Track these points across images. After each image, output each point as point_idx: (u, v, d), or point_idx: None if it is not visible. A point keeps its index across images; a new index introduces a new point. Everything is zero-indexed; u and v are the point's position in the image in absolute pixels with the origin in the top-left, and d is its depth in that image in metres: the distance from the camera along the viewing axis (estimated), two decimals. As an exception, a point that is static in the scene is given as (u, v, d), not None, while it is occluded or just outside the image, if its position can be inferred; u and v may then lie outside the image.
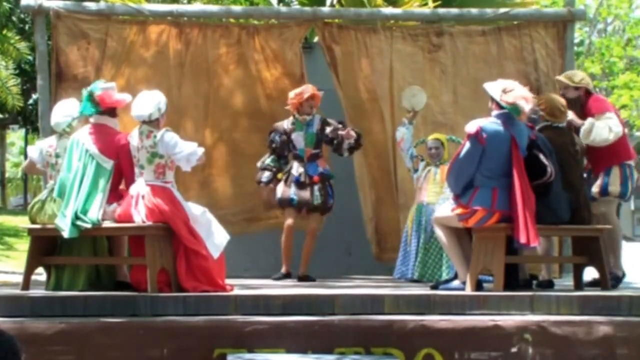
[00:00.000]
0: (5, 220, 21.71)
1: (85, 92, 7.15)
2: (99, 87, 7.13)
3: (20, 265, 10.46)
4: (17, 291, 7.04)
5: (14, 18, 23.45)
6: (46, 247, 7.14)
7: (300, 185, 8.34)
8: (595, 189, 7.55)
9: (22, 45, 21.39)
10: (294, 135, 8.44)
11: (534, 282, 7.59)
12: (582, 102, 7.62)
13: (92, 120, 7.12)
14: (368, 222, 9.10)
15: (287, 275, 8.37)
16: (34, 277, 7.22)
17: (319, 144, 8.48)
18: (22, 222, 15.50)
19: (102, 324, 6.11)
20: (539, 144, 6.94)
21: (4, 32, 21.77)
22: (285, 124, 8.49)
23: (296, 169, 8.40)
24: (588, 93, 7.66)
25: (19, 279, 7.62)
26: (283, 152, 8.50)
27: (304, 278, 8.25)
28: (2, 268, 15.46)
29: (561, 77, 7.85)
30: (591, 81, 7.80)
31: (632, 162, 7.68)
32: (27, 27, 23.11)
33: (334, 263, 8.90)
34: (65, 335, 6.02)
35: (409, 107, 8.52)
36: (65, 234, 6.79)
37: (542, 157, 6.86)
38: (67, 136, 7.28)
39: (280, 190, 8.41)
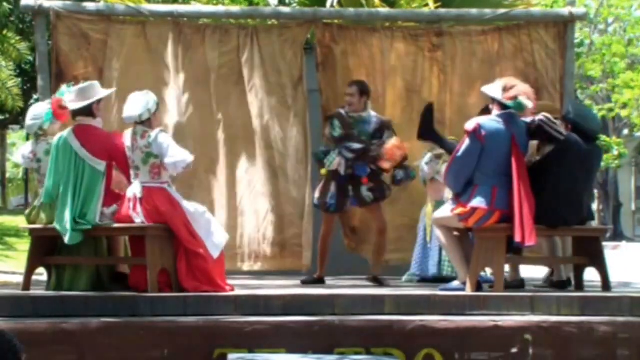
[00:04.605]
0: (6, 221, 21.72)
1: (54, 96, 7.24)
2: (63, 93, 7.17)
3: (21, 265, 10.46)
4: (18, 291, 7.04)
5: (12, 18, 23.44)
6: (47, 247, 7.14)
7: (343, 188, 7.89)
8: None
9: (22, 46, 21.41)
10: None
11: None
12: None
13: (76, 121, 7.06)
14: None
15: (318, 280, 8.02)
16: (35, 278, 7.23)
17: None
18: (23, 222, 15.46)
19: (103, 324, 6.12)
20: (543, 121, 6.95)
21: (4, 32, 21.79)
22: (345, 115, 8.00)
23: (344, 169, 7.89)
24: None
25: (20, 279, 7.62)
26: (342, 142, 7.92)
27: (374, 280, 7.95)
28: (3, 268, 15.46)
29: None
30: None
31: None
32: (26, 27, 23.11)
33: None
34: (66, 335, 6.04)
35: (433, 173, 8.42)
36: (66, 239, 6.79)
37: (547, 128, 6.88)
38: (43, 139, 7.25)
39: (319, 193, 7.98)
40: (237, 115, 8.94)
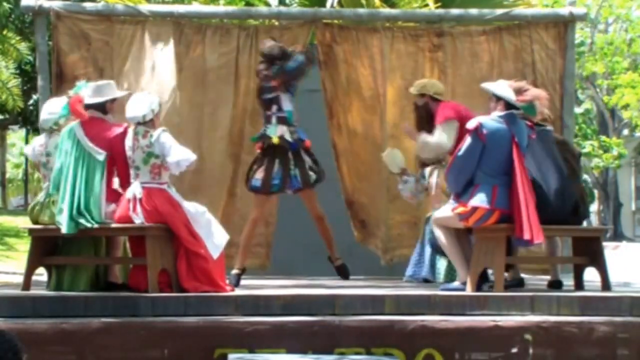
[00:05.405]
0: (6, 221, 21.73)
1: (71, 92, 7.18)
2: (80, 87, 7.12)
3: (21, 265, 10.47)
4: (18, 291, 7.04)
5: (12, 18, 23.44)
6: (47, 247, 7.13)
7: (287, 166, 7.73)
8: None
9: (23, 46, 21.42)
10: (283, 96, 7.84)
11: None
12: (430, 109, 7.80)
13: (87, 113, 7.03)
14: (347, 206, 9.09)
15: (241, 273, 7.83)
16: (35, 278, 7.22)
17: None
18: (22, 222, 15.50)
19: (103, 325, 6.12)
20: None
21: (4, 32, 21.80)
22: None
23: (288, 133, 7.73)
24: (435, 100, 7.82)
25: (20, 279, 7.62)
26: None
27: (338, 269, 8.02)
28: (3, 268, 15.48)
29: (412, 87, 8.09)
30: (440, 87, 7.96)
31: None
32: (26, 27, 23.12)
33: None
34: (67, 335, 6.04)
35: (399, 170, 8.45)
36: (63, 229, 6.77)
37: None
38: (57, 133, 7.23)
39: (263, 173, 7.77)
40: (228, 116, 8.92)
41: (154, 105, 6.97)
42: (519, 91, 6.89)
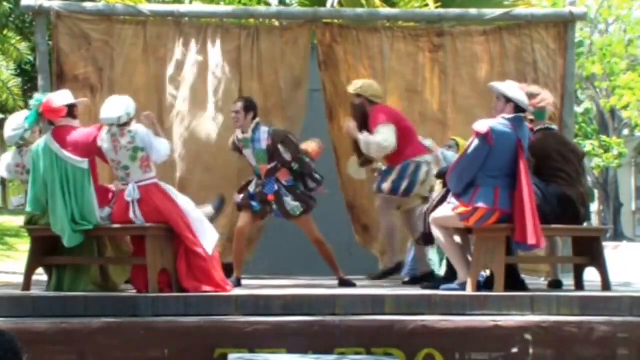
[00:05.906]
0: (6, 221, 21.71)
1: (32, 107, 7.10)
2: (40, 100, 7.02)
3: (21, 265, 10.46)
4: (18, 291, 7.04)
5: (12, 18, 23.44)
6: (47, 247, 7.13)
7: (266, 200, 7.79)
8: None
9: (23, 46, 21.42)
10: (245, 152, 7.98)
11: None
12: (366, 110, 7.97)
13: (55, 124, 6.98)
14: (349, 210, 9.09)
15: (238, 282, 7.74)
16: (35, 278, 7.22)
17: (273, 158, 7.83)
18: (23, 222, 15.46)
19: (103, 324, 6.12)
20: None
21: (4, 32, 21.80)
22: (235, 139, 8.04)
23: (254, 186, 7.86)
24: (371, 102, 7.98)
25: (20, 279, 7.62)
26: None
27: (342, 283, 7.88)
28: (3, 268, 15.46)
29: (350, 86, 8.26)
30: (377, 89, 8.11)
31: (418, 159, 7.89)
32: (26, 27, 23.12)
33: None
34: (67, 335, 6.04)
35: (364, 172, 8.50)
36: (65, 242, 6.78)
37: None
38: (26, 149, 7.18)
39: (243, 195, 7.90)
40: (227, 116, 8.91)
41: (130, 109, 6.92)
42: (532, 96, 6.97)
